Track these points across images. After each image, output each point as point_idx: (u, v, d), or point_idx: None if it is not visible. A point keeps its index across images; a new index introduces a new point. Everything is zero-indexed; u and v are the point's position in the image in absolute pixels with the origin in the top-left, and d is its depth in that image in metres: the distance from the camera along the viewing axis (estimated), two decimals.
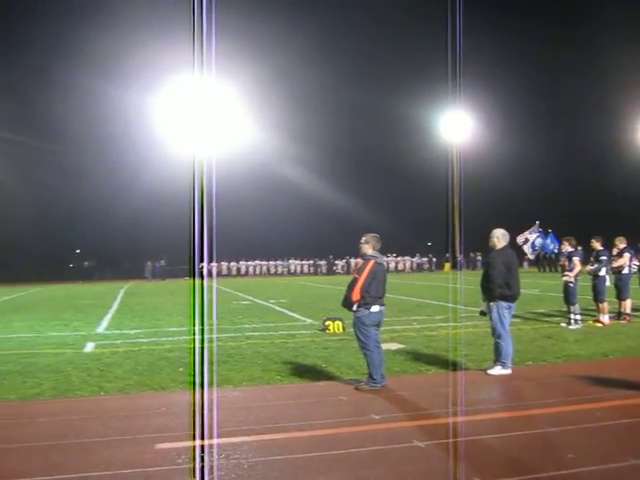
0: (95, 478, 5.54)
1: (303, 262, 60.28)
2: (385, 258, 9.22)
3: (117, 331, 15.41)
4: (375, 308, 8.46)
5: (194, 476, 5.51)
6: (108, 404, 8.14)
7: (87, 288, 40.68)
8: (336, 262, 59.93)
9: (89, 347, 12.78)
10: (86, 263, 69.06)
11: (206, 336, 13.20)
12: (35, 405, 8.21)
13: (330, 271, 58.85)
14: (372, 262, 8.51)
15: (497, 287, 9.32)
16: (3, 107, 54.14)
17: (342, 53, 64.03)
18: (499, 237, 9.66)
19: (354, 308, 8.48)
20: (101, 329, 15.96)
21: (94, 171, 59.32)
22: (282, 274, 58.63)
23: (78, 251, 70.59)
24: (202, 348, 11.76)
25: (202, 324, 14.97)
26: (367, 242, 8.71)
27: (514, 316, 10.33)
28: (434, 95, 53.43)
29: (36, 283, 47.05)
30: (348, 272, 55.60)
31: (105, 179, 59.40)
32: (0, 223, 56.97)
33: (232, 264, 58.68)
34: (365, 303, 8.39)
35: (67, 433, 6.80)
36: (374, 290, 8.42)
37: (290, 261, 60.12)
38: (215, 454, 5.97)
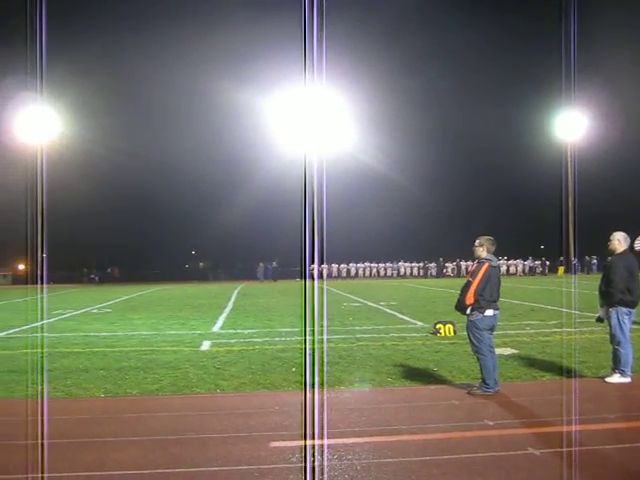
0: (212, 473, 5.70)
1: (413, 264, 59.92)
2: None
3: (232, 330, 15.79)
4: (489, 312, 8.32)
5: (308, 475, 5.59)
6: (224, 401, 8.37)
7: (202, 288, 41.84)
8: (446, 265, 59.24)
9: (205, 345, 13.16)
10: (201, 264, 71.11)
11: (318, 337, 13.35)
12: (155, 400, 8.54)
13: (440, 274, 58.22)
14: (486, 265, 8.38)
15: (618, 292, 8.97)
16: (120, 112, 56.54)
17: (451, 54, 63.35)
18: (620, 240, 9.29)
19: (467, 312, 8.37)
20: (216, 328, 16.40)
21: (209, 175, 61.00)
22: (391, 276, 58.47)
23: (194, 252, 72.88)
24: (314, 349, 11.91)
25: (313, 325, 15.15)
26: (481, 245, 8.57)
27: (634, 322, 9.91)
28: (547, 94, 52.08)
29: (155, 283, 48.87)
30: (459, 275, 54.95)
31: (219, 183, 61.02)
32: (121, 227, 59.49)
33: (342, 266, 59.01)
34: (479, 307, 8.26)
35: (185, 428, 7.03)
36: (488, 294, 8.28)
37: (400, 263, 59.87)
38: (328, 454, 6.03)
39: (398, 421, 7.17)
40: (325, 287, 34.12)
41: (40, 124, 39.72)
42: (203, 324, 17.28)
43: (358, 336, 14.17)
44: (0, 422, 7.51)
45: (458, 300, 8.50)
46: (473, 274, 8.42)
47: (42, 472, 5.70)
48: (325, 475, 5.55)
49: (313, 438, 6.49)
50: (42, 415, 7.47)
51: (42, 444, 6.40)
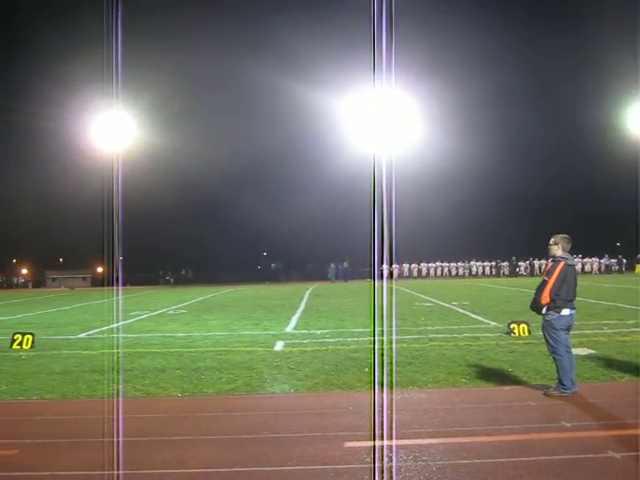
0: (288, 472, 5.78)
1: (485, 263, 59.12)
2: None
3: (304, 331, 15.90)
4: (565, 311, 8.17)
5: (383, 476, 5.60)
6: (298, 401, 8.46)
7: (274, 289, 42.21)
8: (519, 263, 58.24)
9: (279, 346, 13.28)
10: (273, 265, 71.80)
11: (390, 337, 13.33)
12: (231, 400, 8.69)
13: (513, 273, 57.28)
14: (562, 264, 8.23)
15: None
16: (192, 117, 57.55)
17: (521, 51, 62.25)
18: None
19: (543, 311, 8.24)
20: (289, 329, 16.54)
21: (280, 177, 61.57)
22: (463, 276, 57.84)
23: (265, 254, 73.67)
24: (387, 349, 11.89)
25: (387, 325, 15.12)
26: (556, 243, 8.43)
27: None
28: (622, 88, 50.61)
29: (228, 284, 49.56)
30: (532, 274, 54.04)
31: (290, 184, 61.51)
32: (195, 231, 60.63)
33: (413, 266, 58.70)
34: (555, 306, 8.12)
35: (261, 428, 7.14)
36: (564, 293, 8.14)
37: (471, 262, 59.16)
38: (403, 455, 6.04)
39: (473, 422, 7.12)
40: (394, 287, 34.01)
41: (116, 130, 40.77)
42: (276, 325, 17.45)
43: (431, 336, 14.10)
44: (81, 420, 7.76)
45: (533, 299, 8.38)
46: (549, 273, 8.28)
47: (117, 469, 5.88)
48: (394, 476, 5.55)
49: (382, 439, 6.49)
50: (117, 413, 7.69)
51: (117, 442, 6.59)
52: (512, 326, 14.02)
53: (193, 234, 62.25)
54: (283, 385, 9.40)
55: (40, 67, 57.07)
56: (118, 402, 8.40)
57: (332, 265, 55.15)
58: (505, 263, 58.62)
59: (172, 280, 60.82)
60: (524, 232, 54.71)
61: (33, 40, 58.76)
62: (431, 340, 13.47)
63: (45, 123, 54.85)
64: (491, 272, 58.29)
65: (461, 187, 60.53)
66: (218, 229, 62.43)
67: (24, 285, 68.62)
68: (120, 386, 9.47)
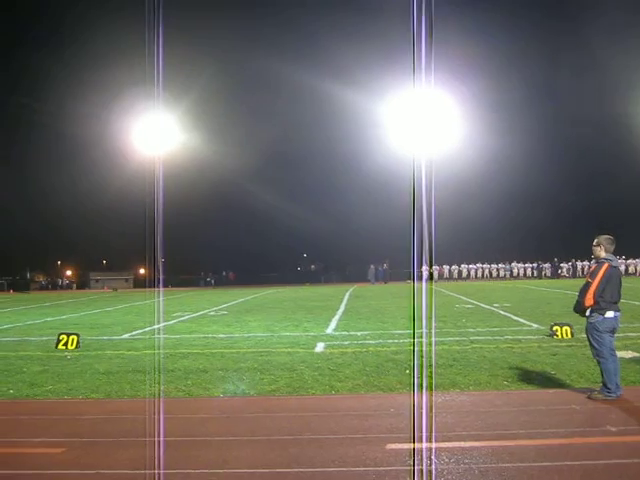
0: (330, 473, 5.79)
1: (526, 265, 58.59)
2: None
3: (345, 332, 15.89)
4: (610, 314, 8.05)
5: (423, 478, 5.59)
6: (339, 403, 8.46)
7: (314, 290, 42.29)
8: (561, 265, 57.52)
9: (319, 347, 13.30)
10: (312, 266, 71.99)
11: (431, 339, 13.27)
12: (272, 401, 8.73)
13: (555, 274, 56.63)
14: (606, 265, 8.12)
15: None
16: (232, 121, 57.92)
17: (564, 49, 61.47)
18: None
19: (587, 314, 8.14)
20: (330, 330, 16.54)
21: (319, 178, 61.70)
22: (504, 277, 57.37)
23: (305, 255, 73.90)
24: (428, 351, 11.85)
25: (427, 327, 15.06)
26: (599, 244, 8.31)
27: None
28: None
29: (268, 285, 49.81)
30: (574, 275, 53.37)
31: (329, 186, 61.60)
32: (235, 233, 61.05)
33: (453, 267, 58.38)
34: (599, 308, 8.01)
35: (302, 429, 7.17)
36: (609, 295, 8.02)
37: (512, 264, 58.64)
38: (444, 458, 6.01)
39: (516, 425, 7.05)
40: (434, 288, 33.85)
41: (158, 134, 41.25)
42: (317, 326, 17.49)
43: (472, 338, 14.00)
44: (125, 420, 7.87)
45: (577, 302, 8.27)
46: (592, 274, 8.18)
47: (160, 469, 5.95)
48: (435, 479, 5.53)
49: (424, 441, 6.47)
50: (159, 414, 7.78)
51: (160, 442, 6.67)
52: (555, 328, 13.86)
53: (234, 236, 62.72)
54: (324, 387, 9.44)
55: (82, 72, 57.99)
56: (160, 402, 8.51)
57: (372, 266, 55.10)
58: (547, 264, 58.00)
59: (213, 281, 61.42)
60: (566, 233, 53.98)
61: (75, 45, 59.74)
62: (472, 342, 13.37)
63: (88, 127, 55.73)
64: (532, 274, 57.72)
65: (502, 187, 59.93)
66: (258, 231, 62.81)
67: (68, 286, 69.91)
68: (162, 386, 9.58)
